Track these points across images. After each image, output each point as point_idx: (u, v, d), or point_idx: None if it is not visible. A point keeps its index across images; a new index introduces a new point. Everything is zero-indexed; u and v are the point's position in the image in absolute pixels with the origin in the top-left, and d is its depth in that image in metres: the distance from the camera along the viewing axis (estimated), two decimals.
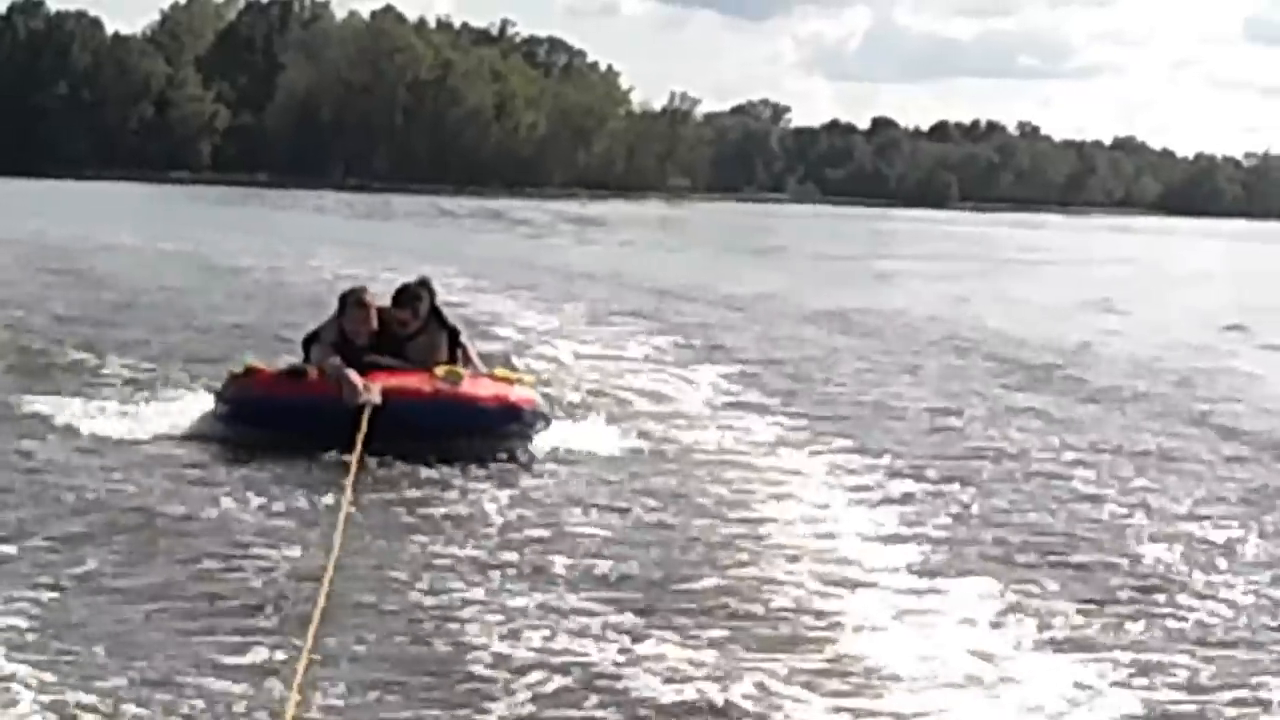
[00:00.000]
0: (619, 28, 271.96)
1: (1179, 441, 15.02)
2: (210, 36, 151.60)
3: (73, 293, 26.62)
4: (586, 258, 45.18)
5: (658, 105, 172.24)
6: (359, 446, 11.51)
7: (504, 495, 11.27)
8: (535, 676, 7.35)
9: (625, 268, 39.95)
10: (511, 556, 9.51)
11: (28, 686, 6.93)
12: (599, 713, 7.05)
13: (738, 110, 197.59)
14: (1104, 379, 19.54)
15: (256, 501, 10.84)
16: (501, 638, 7.86)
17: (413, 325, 13.31)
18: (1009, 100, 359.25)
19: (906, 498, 11.82)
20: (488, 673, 7.44)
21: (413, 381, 12.73)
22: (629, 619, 8.26)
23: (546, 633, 7.97)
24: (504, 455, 12.51)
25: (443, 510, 10.81)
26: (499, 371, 13.76)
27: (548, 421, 13.28)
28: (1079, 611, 8.89)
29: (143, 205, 73.84)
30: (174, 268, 33.69)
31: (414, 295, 13.43)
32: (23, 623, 7.81)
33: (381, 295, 13.68)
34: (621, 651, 7.74)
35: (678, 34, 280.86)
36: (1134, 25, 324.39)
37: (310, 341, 13.37)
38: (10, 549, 9.22)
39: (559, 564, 9.32)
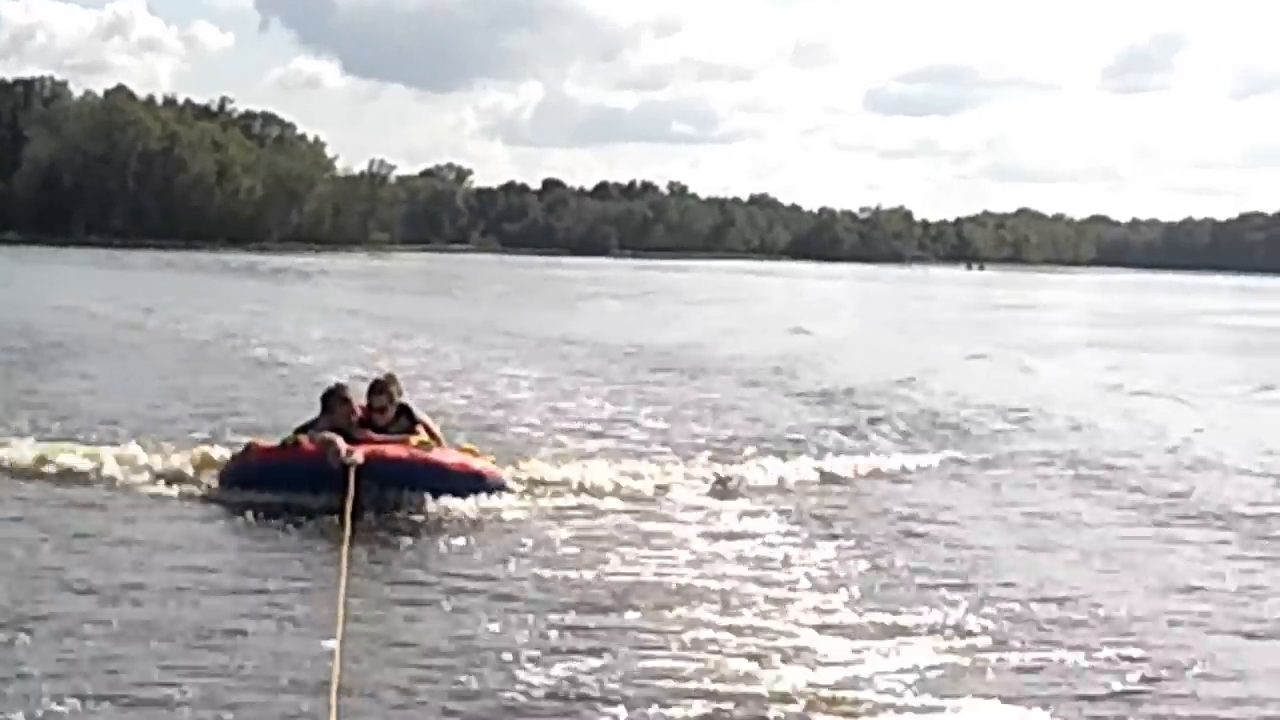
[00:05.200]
0: (322, 101, 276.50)
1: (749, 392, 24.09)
2: None
3: None
4: (369, 302, 53.21)
5: (358, 169, 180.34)
6: (349, 502, 12.03)
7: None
8: None
9: (405, 310, 46.46)
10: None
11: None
12: None
13: (427, 173, 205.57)
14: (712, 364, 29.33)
15: (262, 556, 11.44)
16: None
17: (389, 413, 13.82)
18: (663, 162, 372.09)
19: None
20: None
21: (391, 448, 13.32)
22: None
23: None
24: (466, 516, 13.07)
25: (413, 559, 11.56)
26: (464, 445, 14.53)
27: (504, 489, 13.74)
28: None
29: None
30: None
31: (384, 388, 14.00)
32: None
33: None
34: None
35: (373, 105, 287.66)
36: (770, 97, 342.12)
37: (303, 431, 13.64)
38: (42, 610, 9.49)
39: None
